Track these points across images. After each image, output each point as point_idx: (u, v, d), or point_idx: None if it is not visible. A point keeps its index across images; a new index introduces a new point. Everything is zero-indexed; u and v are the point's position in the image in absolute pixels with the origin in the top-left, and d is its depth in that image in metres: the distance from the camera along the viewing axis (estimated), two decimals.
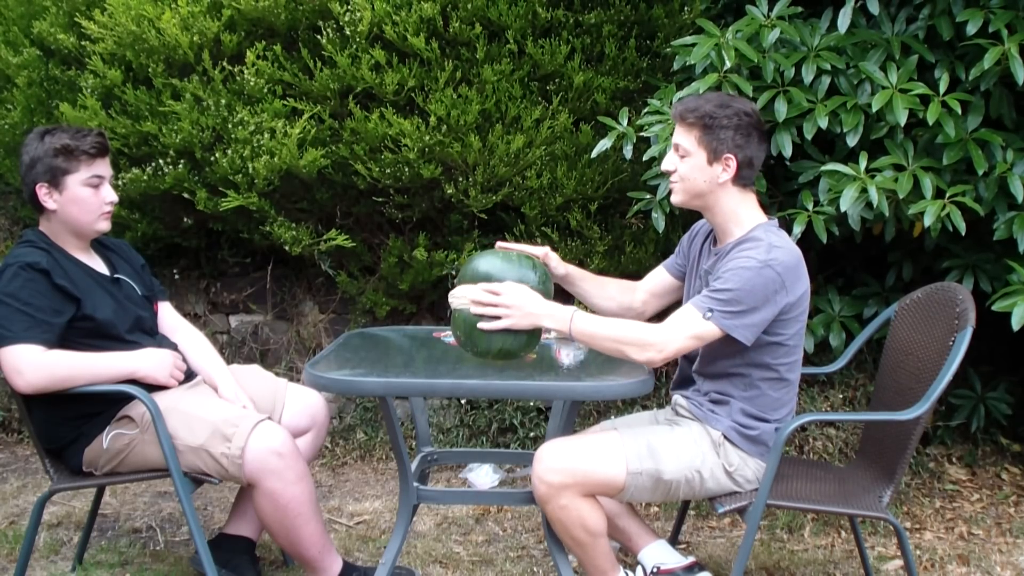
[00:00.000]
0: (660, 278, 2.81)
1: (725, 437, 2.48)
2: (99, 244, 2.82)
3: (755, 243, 2.43)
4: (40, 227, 2.72)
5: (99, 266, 2.76)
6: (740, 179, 2.47)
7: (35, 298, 2.53)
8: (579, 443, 2.46)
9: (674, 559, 2.71)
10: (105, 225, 2.72)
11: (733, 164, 2.45)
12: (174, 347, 2.82)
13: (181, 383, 2.75)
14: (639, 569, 2.73)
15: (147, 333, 2.77)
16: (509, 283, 2.37)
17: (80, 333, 2.60)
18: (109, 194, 2.70)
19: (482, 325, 2.34)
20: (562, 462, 2.39)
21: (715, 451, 2.47)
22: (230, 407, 2.70)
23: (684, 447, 2.46)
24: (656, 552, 2.73)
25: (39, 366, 2.51)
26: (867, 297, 3.66)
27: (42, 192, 2.63)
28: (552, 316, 2.37)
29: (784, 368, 2.49)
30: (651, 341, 2.35)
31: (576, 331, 2.37)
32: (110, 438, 2.63)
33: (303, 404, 2.88)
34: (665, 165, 2.54)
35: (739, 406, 2.49)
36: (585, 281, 2.77)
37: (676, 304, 2.66)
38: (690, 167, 2.47)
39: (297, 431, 2.81)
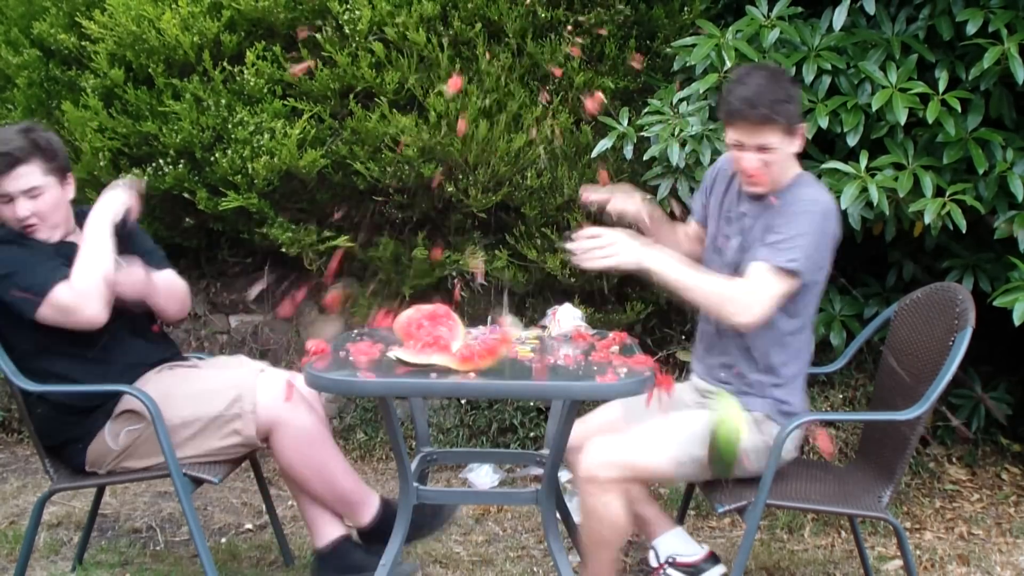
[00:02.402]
0: (693, 231, 2.79)
1: (767, 416, 2.50)
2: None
3: (807, 187, 2.46)
4: None
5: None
6: None
7: (30, 256, 2.53)
8: (628, 438, 2.47)
9: (690, 550, 2.70)
10: (44, 234, 2.62)
11: (804, 129, 2.47)
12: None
13: (163, 361, 2.73)
14: (652, 554, 2.74)
15: (132, 306, 2.69)
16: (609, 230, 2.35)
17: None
18: (22, 209, 2.56)
19: (588, 264, 2.32)
20: (613, 456, 2.40)
21: (757, 429, 2.48)
22: (224, 373, 2.70)
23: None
24: (673, 541, 2.72)
25: (83, 293, 2.48)
26: (868, 297, 3.66)
27: None
28: (653, 256, 2.35)
29: (806, 317, 2.50)
30: (748, 303, 2.35)
31: (673, 277, 2.36)
32: (120, 436, 2.61)
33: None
34: (748, 166, 2.45)
35: (771, 382, 2.49)
36: (663, 224, 2.76)
37: None
38: (777, 156, 2.44)
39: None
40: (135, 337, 2.74)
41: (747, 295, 2.37)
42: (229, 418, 2.56)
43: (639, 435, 2.48)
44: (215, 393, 2.60)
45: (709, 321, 2.61)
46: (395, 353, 2.28)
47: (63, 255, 2.62)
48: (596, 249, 2.32)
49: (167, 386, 2.63)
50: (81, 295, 2.50)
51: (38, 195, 2.58)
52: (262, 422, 2.56)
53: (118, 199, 2.68)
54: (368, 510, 2.71)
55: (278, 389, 2.57)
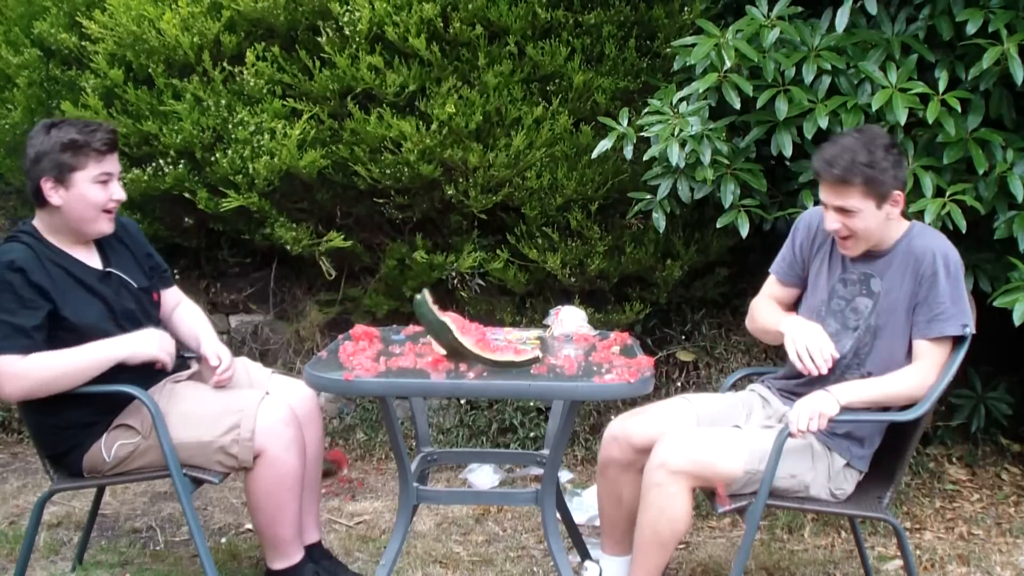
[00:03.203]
0: (784, 294, 2.74)
1: (847, 464, 2.53)
2: None
3: (925, 238, 2.50)
4: (35, 220, 2.63)
5: (93, 260, 2.65)
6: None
7: (11, 302, 2.45)
8: (703, 434, 2.50)
9: None
10: (107, 226, 2.63)
11: (901, 198, 2.46)
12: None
13: (169, 374, 2.71)
14: (590, 564, 2.75)
15: (139, 325, 2.66)
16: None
17: (63, 337, 2.53)
18: (117, 191, 2.60)
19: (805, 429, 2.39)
20: (687, 449, 2.42)
21: (828, 474, 2.50)
22: (226, 394, 2.67)
23: (801, 460, 2.48)
24: (619, 570, 2.71)
25: (15, 376, 2.44)
26: None
27: (47, 187, 2.52)
28: (843, 393, 2.41)
29: None
30: (923, 383, 2.44)
31: (867, 399, 2.43)
32: (114, 449, 2.60)
33: (288, 396, 2.80)
34: (830, 226, 2.47)
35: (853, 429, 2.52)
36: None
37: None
38: (863, 220, 2.43)
39: None
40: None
41: (927, 377, 2.44)
42: (226, 444, 2.55)
43: (716, 436, 2.49)
44: (214, 418, 2.57)
45: (836, 348, 2.57)
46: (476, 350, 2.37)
47: (106, 285, 2.62)
48: (808, 420, 2.37)
49: (166, 404, 2.60)
50: (16, 378, 2.45)
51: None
52: (256, 448, 2.55)
53: (147, 349, 2.59)
54: (284, 561, 2.69)
55: (277, 417, 2.57)
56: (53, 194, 2.54)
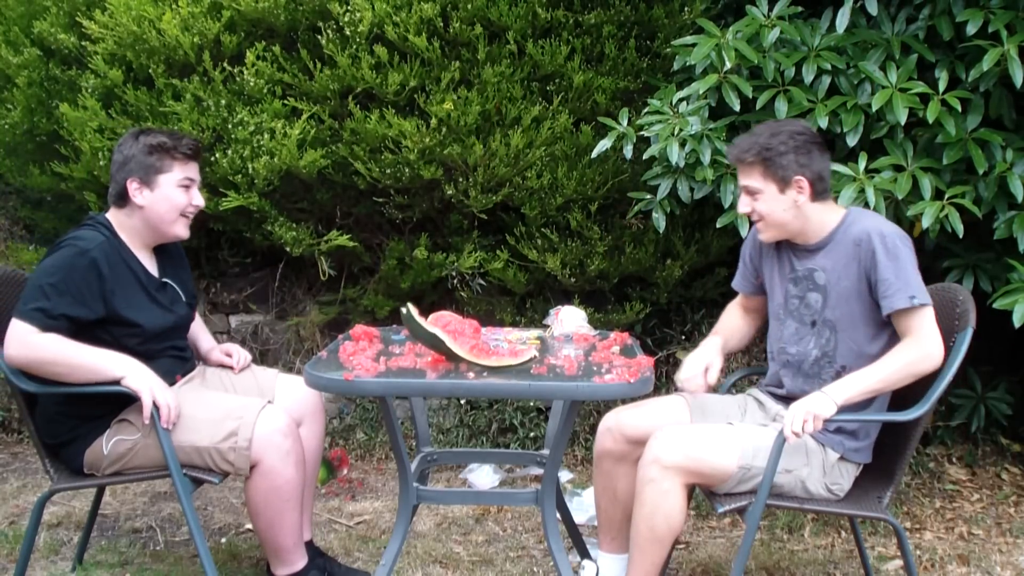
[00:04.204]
0: (748, 303, 2.84)
1: (841, 458, 2.52)
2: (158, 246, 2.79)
3: (865, 219, 2.51)
4: (109, 215, 2.70)
5: (151, 267, 2.73)
6: (817, 194, 2.51)
7: (64, 282, 2.51)
8: (696, 430, 2.51)
9: None
10: (184, 231, 2.72)
11: (805, 184, 2.49)
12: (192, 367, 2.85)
13: (173, 383, 2.73)
14: (587, 563, 2.76)
15: (183, 337, 2.82)
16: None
17: (121, 337, 2.58)
18: (197, 198, 2.71)
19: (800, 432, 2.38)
20: (680, 444, 2.42)
21: (823, 468, 2.51)
22: (227, 400, 2.69)
23: (796, 458, 2.48)
24: (615, 567, 2.72)
25: (25, 344, 2.48)
26: None
27: (132, 187, 2.63)
28: (837, 391, 2.40)
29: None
30: (927, 351, 2.41)
31: (864, 391, 2.42)
32: (112, 443, 2.61)
33: (294, 396, 2.86)
34: (741, 208, 2.57)
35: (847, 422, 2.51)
36: (730, 342, 2.80)
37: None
38: (765, 203, 2.51)
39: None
40: (169, 359, 2.74)
41: (922, 347, 2.41)
42: (223, 450, 2.57)
43: (710, 432, 2.50)
44: (214, 423, 2.59)
45: (799, 352, 2.61)
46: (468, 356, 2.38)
47: (161, 292, 2.71)
48: (803, 423, 2.37)
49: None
50: (23, 345, 2.48)
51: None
52: (253, 457, 2.56)
53: (146, 386, 2.54)
54: (287, 568, 2.71)
55: (275, 427, 2.58)
56: (138, 194, 2.64)
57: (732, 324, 2.84)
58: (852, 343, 2.51)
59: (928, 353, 2.41)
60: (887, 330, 2.49)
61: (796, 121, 2.58)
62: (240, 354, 2.96)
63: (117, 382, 2.53)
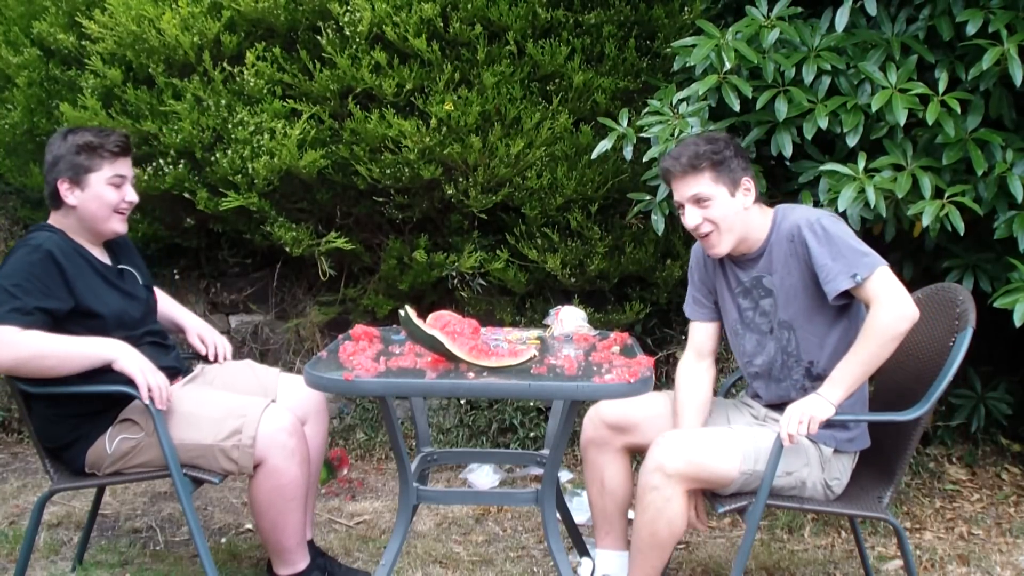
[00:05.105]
0: (708, 332, 2.74)
1: (836, 451, 2.52)
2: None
3: (793, 213, 2.50)
4: (50, 220, 2.71)
5: (104, 258, 2.75)
6: (755, 198, 2.53)
7: (28, 280, 2.51)
8: (698, 435, 2.51)
9: None
10: (121, 226, 2.71)
11: (752, 185, 2.50)
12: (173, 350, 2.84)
13: (173, 380, 2.73)
14: (585, 561, 2.77)
15: (155, 321, 2.83)
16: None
17: (90, 326, 2.58)
18: (130, 194, 2.71)
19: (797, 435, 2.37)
20: (683, 450, 2.42)
21: (821, 465, 2.51)
22: (231, 398, 2.69)
23: (795, 457, 2.48)
24: (616, 562, 2.72)
25: (7, 345, 2.46)
26: None
27: (64, 188, 2.63)
28: (830, 392, 2.38)
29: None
30: (898, 313, 2.33)
31: (858, 378, 2.39)
32: (115, 443, 2.62)
33: (297, 396, 2.86)
34: (690, 223, 2.51)
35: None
36: (703, 414, 2.67)
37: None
38: (718, 208, 2.48)
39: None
40: (151, 347, 2.74)
41: (891, 309, 2.34)
42: (227, 448, 2.56)
43: (711, 437, 2.50)
44: (217, 421, 2.59)
45: (765, 361, 2.60)
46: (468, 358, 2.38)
47: (120, 279, 2.72)
48: (799, 425, 2.36)
49: (172, 403, 2.61)
50: (8, 346, 2.46)
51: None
52: (257, 456, 2.56)
53: (134, 364, 2.54)
54: (289, 568, 2.71)
55: (279, 426, 2.58)
56: (69, 195, 2.64)
57: (696, 399, 2.64)
58: (812, 336, 2.51)
59: (900, 313, 2.33)
60: (843, 314, 2.49)
61: (719, 133, 2.59)
62: (214, 340, 2.93)
63: (108, 365, 2.53)
